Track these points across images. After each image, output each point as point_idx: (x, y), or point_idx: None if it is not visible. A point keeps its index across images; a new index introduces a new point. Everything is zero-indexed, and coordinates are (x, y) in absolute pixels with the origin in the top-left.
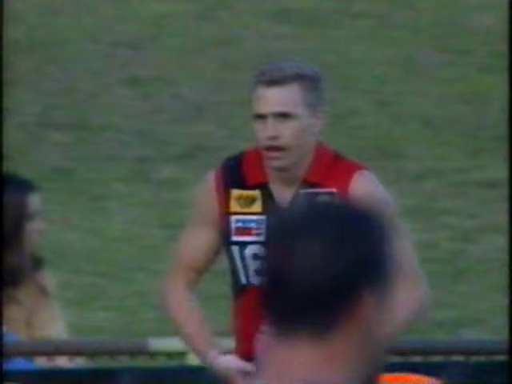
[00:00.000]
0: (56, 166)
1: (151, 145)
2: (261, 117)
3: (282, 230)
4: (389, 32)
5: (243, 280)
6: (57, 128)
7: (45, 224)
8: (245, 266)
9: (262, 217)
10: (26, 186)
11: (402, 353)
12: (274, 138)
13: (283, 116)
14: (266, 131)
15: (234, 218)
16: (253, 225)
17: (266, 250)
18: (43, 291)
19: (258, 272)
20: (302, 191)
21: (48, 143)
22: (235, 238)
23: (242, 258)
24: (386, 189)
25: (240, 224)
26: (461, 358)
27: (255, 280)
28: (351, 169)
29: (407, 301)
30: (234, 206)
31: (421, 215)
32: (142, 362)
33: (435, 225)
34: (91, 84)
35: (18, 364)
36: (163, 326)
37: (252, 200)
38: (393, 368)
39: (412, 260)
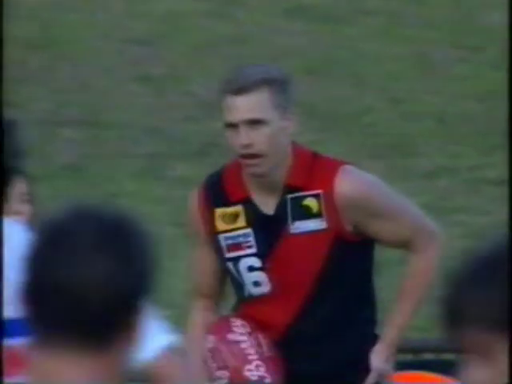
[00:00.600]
0: (68, 162)
1: (163, 142)
2: (232, 125)
3: (49, 242)
4: (402, 29)
5: (244, 293)
6: (69, 125)
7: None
8: (242, 280)
9: (248, 230)
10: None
11: (414, 351)
12: (247, 145)
13: (254, 123)
14: (238, 139)
15: (222, 236)
16: (241, 239)
17: (33, 263)
18: None
19: (255, 283)
20: (289, 196)
21: (60, 140)
22: (228, 255)
23: (238, 272)
24: (372, 176)
25: (230, 241)
26: None
27: (254, 291)
28: (333, 167)
29: (424, 254)
30: (220, 225)
31: (433, 213)
32: None
33: (448, 222)
34: (103, 81)
35: None
36: (176, 325)
37: (236, 216)
38: (405, 366)
39: (416, 221)
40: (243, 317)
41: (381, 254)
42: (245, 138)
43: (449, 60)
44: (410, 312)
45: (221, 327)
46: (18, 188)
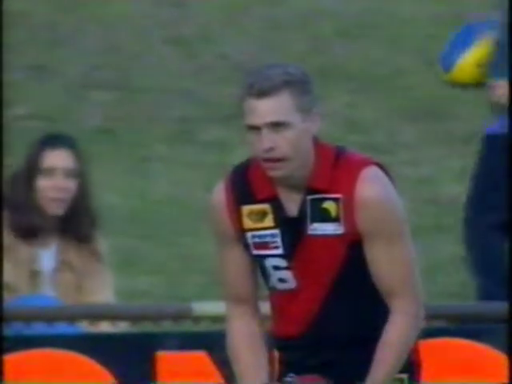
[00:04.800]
0: (99, 126)
1: (195, 105)
2: (254, 128)
3: None
4: None
5: (270, 283)
6: (100, 88)
7: (76, 183)
8: (268, 275)
9: (276, 230)
10: (46, 142)
11: (448, 317)
12: (270, 149)
13: (277, 126)
14: (261, 143)
15: (249, 234)
16: (268, 239)
17: None
18: (97, 256)
19: (281, 280)
20: (309, 197)
21: (91, 103)
22: (255, 252)
23: (264, 268)
24: (393, 188)
25: (257, 239)
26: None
27: (280, 286)
28: (356, 169)
29: (398, 324)
30: (247, 223)
31: (468, 177)
32: (186, 327)
33: None
34: (134, 44)
35: (60, 328)
36: (207, 290)
37: (263, 214)
38: (440, 333)
39: (407, 274)
40: (272, 304)
41: None
42: (267, 141)
43: (485, 21)
44: (388, 374)
45: None
46: None
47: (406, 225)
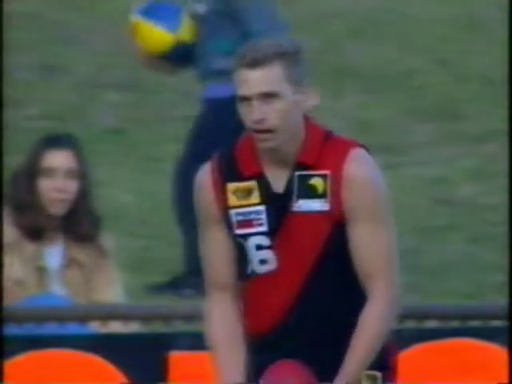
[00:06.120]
0: (109, 126)
1: None
2: (245, 99)
3: None
4: None
5: (248, 270)
6: (111, 88)
7: (78, 183)
8: (249, 257)
9: (262, 207)
10: (47, 143)
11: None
12: (260, 120)
13: (268, 96)
14: (251, 114)
15: (233, 211)
16: (253, 216)
17: None
18: (103, 253)
19: (262, 261)
20: (296, 173)
21: (102, 103)
22: (238, 231)
23: (246, 249)
24: (379, 171)
25: (241, 217)
26: None
27: (260, 269)
28: (345, 148)
29: (373, 311)
30: (232, 200)
31: (481, 177)
32: (198, 327)
33: (496, 187)
34: None
35: (71, 329)
36: None
37: (249, 191)
38: (452, 333)
39: (386, 258)
40: (248, 296)
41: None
42: (258, 112)
43: (498, 21)
44: (361, 362)
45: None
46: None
47: (390, 211)
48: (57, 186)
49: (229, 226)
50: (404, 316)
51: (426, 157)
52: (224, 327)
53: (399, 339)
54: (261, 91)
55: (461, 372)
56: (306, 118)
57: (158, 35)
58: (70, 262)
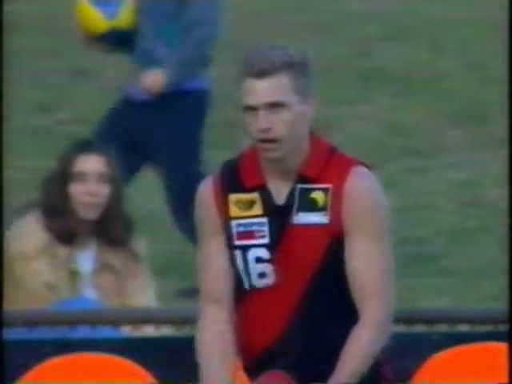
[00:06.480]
0: None
1: (238, 109)
2: (251, 109)
3: None
4: None
5: (246, 285)
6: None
7: (110, 187)
8: (248, 270)
9: (264, 219)
10: (79, 147)
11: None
12: (266, 130)
13: (275, 106)
14: (257, 124)
15: (234, 222)
16: (254, 228)
17: None
18: (135, 257)
19: (261, 275)
20: (298, 186)
21: None
22: (237, 243)
23: (245, 261)
24: (383, 190)
25: (241, 228)
26: None
27: (258, 283)
28: (348, 165)
29: (365, 330)
30: (234, 211)
31: (510, 180)
32: None
33: None
34: None
35: (103, 332)
36: None
37: (251, 203)
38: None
39: (381, 277)
40: (245, 311)
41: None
42: (264, 122)
43: None
44: (346, 381)
45: None
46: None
47: (389, 231)
48: (88, 191)
49: (228, 237)
50: (435, 320)
51: (455, 160)
52: (214, 341)
53: (430, 343)
54: (267, 101)
55: (491, 376)
56: (312, 133)
57: (94, 19)
58: (102, 267)
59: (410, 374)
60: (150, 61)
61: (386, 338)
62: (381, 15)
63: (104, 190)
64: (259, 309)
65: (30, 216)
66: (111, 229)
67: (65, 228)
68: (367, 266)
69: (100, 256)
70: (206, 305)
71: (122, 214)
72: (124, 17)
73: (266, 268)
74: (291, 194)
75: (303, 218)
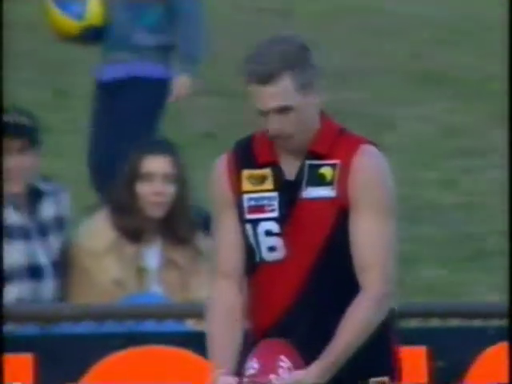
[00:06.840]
0: (204, 131)
1: None
2: (262, 112)
3: None
4: None
5: (257, 257)
6: (205, 94)
7: (176, 187)
8: (258, 244)
9: (274, 193)
10: (146, 148)
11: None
12: (278, 131)
13: (282, 110)
14: (269, 125)
15: (246, 196)
16: (265, 202)
17: None
18: (199, 253)
19: (270, 248)
20: (308, 162)
21: (197, 108)
22: (248, 217)
23: (255, 235)
24: (390, 170)
25: (252, 202)
26: None
27: (268, 256)
28: (356, 143)
29: (362, 303)
30: (246, 185)
31: None
32: None
33: None
34: (238, 51)
35: (168, 326)
36: None
37: (263, 178)
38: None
39: (383, 251)
40: (256, 284)
41: None
42: (275, 123)
43: None
44: (343, 351)
45: (267, 360)
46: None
47: (394, 209)
48: (155, 190)
49: (240, 211)
50: (489, 314)
51: (506, 160)
52: (224, 315)
53: (484, 337)
54: (274, 107)
55: None
56: (323, 112)
57: (64, 24)
58: (167, 263)
59: (465, 368)
60: (125, 46)
61: (384, 311)
62: (432, 19)
63: (170, 190)
64: (269, 282)
65: (98, 214)
66: (176, 227)
67: (132, 226)
68: (366, 240)
69: (165, 253)
70: (219, 277)
71: (187, 212)
72: (93, 14)
73: (276, 242)
74: (301, 169)
75: (312, 192)
